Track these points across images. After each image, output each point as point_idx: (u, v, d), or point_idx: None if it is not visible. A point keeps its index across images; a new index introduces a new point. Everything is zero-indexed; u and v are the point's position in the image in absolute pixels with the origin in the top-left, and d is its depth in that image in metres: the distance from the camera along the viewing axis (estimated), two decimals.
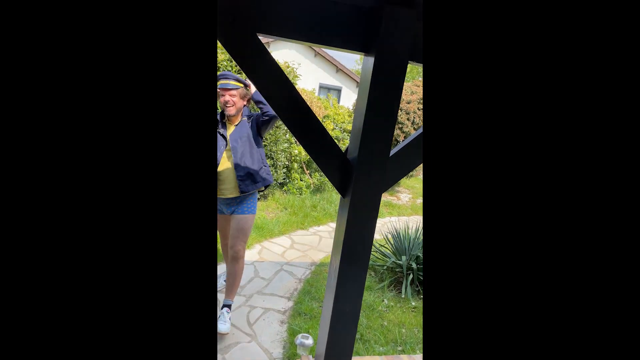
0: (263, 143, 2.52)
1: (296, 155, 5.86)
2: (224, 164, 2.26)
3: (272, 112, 2.22)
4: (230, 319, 2.32)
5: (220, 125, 2.34)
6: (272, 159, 5.11)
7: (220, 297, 2.57)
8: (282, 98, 1.13)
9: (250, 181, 2.27)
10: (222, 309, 2.33)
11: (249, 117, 2.33)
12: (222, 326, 2.25)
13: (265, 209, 4.91)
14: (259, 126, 2.31)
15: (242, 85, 2.28)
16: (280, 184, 5.70)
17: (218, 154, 2.27)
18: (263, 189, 2.36)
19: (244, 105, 2.33)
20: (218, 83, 2.22)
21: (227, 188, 2.27)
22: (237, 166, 2.24)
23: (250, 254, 3.53)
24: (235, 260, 2.28)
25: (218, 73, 2.32)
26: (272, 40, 13.22)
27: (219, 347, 2.18)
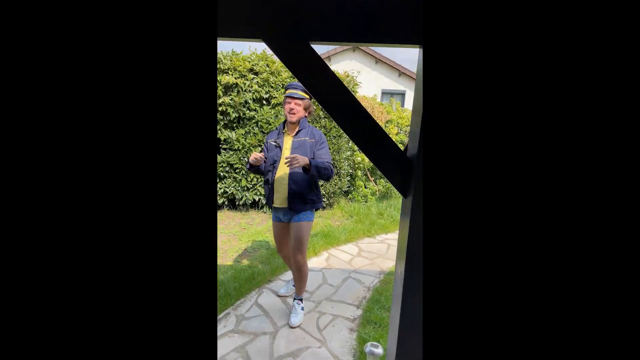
0: None
1: (359, 163, 5.83)
2: (279, 173, 2.38)
3: (330, 173, 2.26)
4: (302, 309, 2.53)
5: (277, 135, 2.48)
6: (336, 167, 5.17)
7: (289, 300, 2.76)
8: (340, 105, 1.15)
9: (300, 201, 2.35)
10: (293, 301, 2.57)
11: (311, 137, 2.40)
12: (294, 319, 2.45)
13: (331, 217, 4.97)
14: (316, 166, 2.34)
15: (308, 97, 2.43)
16: (344, 192, 5.72)
17: (271, 163, 2.40)
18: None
19: (305, 116, 2.46)
20: (287, 92, 2.41)
21: (279, 198, 2.37)
22: (290, 182, 2.34)
23: (318, 261, 3.59)
24: (298, 269, 2.45)
25: (287, 83, 2.47)
26: (332, 53, 13.58)
27: (290, 348, 2.25)
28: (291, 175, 2.34)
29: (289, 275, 3.13)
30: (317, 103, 4.41)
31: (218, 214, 4.74)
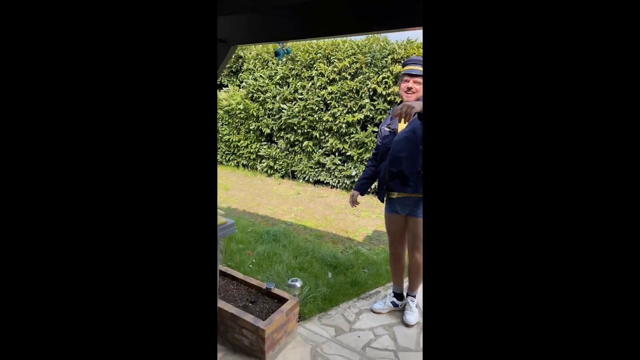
0: None
1: None
2: (393, 161, 2.08)
3: None
4: (417, 307, 2.36)
5: (390, 120, 2.16)
6: None
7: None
8: None
9: (400, 181, 2.05)
10: (407, 297, 2.37)
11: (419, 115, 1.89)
12: (410, 317, 2.28)
13: None
14: None
15: None
16: None
17: (385, 151, 2.12)
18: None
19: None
20: (404, 68, 2.05)
21: (394, 187, 2.11)
22: (391, 162, 2.07)
23: None
24: (414, 265, 2.23)
25: (407, 58, 2.10)
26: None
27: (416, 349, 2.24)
28: (391, 161, 2.03)
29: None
30: None
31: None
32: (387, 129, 2.16)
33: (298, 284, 2.31)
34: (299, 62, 5.60)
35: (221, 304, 2.11)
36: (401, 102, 2.07)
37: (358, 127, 5.19)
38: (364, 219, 4.40)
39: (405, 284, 2.50)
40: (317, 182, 5.84)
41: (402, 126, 2.11)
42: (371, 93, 5.06)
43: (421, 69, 1.96)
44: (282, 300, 2.22)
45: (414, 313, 2.30)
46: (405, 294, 2.46)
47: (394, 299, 2.45)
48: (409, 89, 1.99)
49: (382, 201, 2.27)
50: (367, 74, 5.02)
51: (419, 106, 1.61)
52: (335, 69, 5.22)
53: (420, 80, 1.96)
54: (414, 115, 1.65)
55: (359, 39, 5.22)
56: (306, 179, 5.91)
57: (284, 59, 5.68)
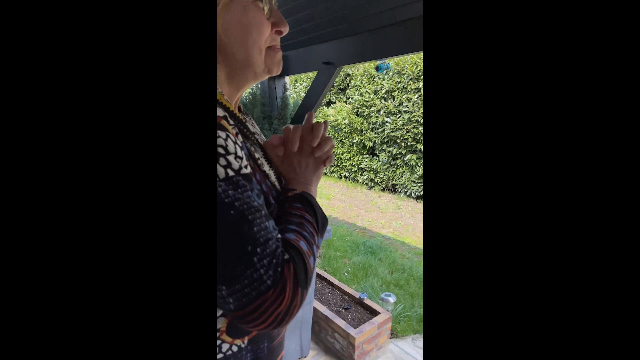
0: None
1: None
2: None
3: None
4: None
5: None
6: None
7: None
8: None
9: None
10: None
11: None
12: None
13: None
14: None
15: None
16: None
17: None
18: None
19: None
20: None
21: None
22: None
23: None
24: None
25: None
26: None
27: None
28: None
29: None
30: None
31: None
32: None
33: (392, 299, 2.26)
34: (405, 75, 5.54)
35: (316, 304, 2.25)
36: None
37: None
38: None
39: None
40: (419, 198, 5.57)
41: None
42: None
43: None
44: (374, 313, 2.21)
45: None
46: None
47: None
48: None
49: None
50: None
51: None
52: None
53: None
54: None
55: None
56: (407, 193, 5.71)
57: (390, 73, 5.72)
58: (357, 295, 2.37)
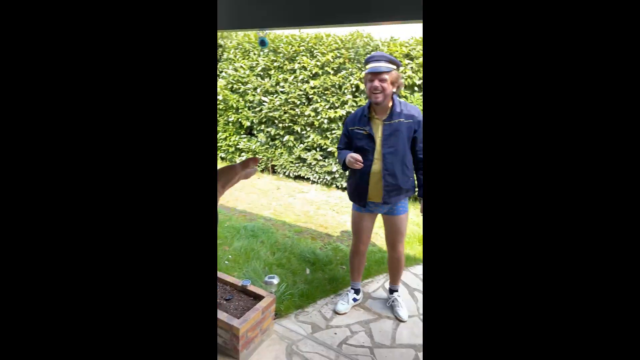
0: None
1: None
2: (375, 167, 2.01)
3: None
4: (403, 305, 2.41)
5: (360, 119, 2.00)
6: None
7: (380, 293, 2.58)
8: None
9: (396, 193, 2.05)
10: (392, 294, 2.43)
11: (407, 117, 1.92)
12: (403, 312, 2.35)
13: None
14: (414, 148, 1.99)
15: (395, 66, 1.87)
16: None
17: (365, 154, 1.98)
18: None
19: (393, 93, 1.91)
20: (367, 66, 1.89)
21: (373, 192, 2.07)
22: (385, 175, 1.99)
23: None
24: (398, 260, 2.30)
25: (368, 55, 2.00)
26: None
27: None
28: (386, 167, 1.96)
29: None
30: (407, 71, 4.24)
31: None
32: (361, 131, 2.01)
33: (275, 280, 2.27)
34: (281, 55, 5.48)
35: None
36: (369, 101, 1.98)
37: (340, 123, 5.17)
38: (344, 215, 4.41)
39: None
40: (298, 177, 5.79)
41: (377, 129, 1.99)
42: (354, 89, 5.04)
43: (386, 65, 1.84)
44: (258, 298, 2.17)
45: (404, 307, 2.39)
46: (389, 289, 2.51)
47: (355, 295, 2.48)
48: (375, 88, 1.85)
49: (364, 207, 2.18)
50: (350, 69, 4.98)
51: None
52: (318, 63, 5.15)
53: (386, 77, 1.82)
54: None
55: (343, 33, 5.17)
56: (286, 173, 5.84)
57: (265, 50, 5.54)
58: (239, 283, 2.27)
